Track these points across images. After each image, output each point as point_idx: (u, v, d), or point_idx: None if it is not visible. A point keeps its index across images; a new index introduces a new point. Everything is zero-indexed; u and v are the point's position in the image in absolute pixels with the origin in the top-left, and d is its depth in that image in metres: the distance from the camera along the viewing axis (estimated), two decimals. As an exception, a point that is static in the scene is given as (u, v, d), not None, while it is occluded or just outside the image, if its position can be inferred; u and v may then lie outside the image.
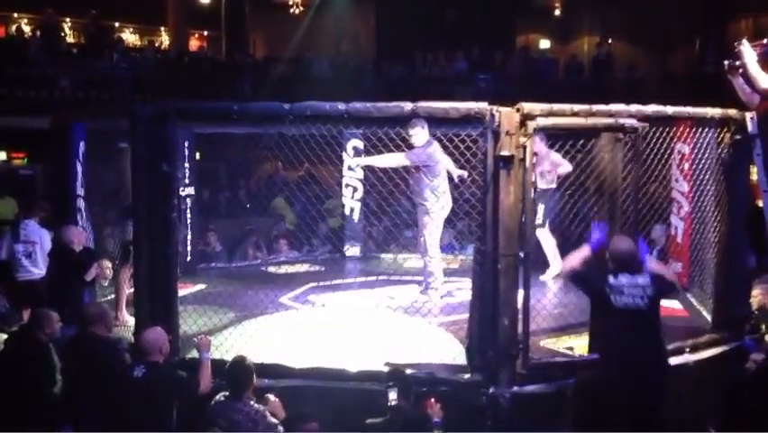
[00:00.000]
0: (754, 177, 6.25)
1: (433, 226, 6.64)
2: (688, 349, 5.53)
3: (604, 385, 4.34)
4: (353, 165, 6.76)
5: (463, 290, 6.67)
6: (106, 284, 6.72)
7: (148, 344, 4.53)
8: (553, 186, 7.32)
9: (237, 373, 4.43)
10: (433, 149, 6.42)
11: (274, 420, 4.29)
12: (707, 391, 5.07)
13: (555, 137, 5.85)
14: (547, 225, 7.45)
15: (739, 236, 5.98)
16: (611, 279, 4.35)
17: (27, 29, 15.80)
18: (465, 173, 6.19)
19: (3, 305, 6.71)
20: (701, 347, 5.62)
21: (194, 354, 4.90)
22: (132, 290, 6.11)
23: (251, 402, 4.36)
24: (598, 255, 4.62)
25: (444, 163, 6.55)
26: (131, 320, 6.06)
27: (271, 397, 4.42)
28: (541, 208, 7.45)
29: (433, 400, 4.30)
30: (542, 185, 7.38)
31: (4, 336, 5.28)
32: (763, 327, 5.81)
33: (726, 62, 5.35)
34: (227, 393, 4.41)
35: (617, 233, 4.98)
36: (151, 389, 4.37)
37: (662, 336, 4.53)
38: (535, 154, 6.78)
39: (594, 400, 4.35)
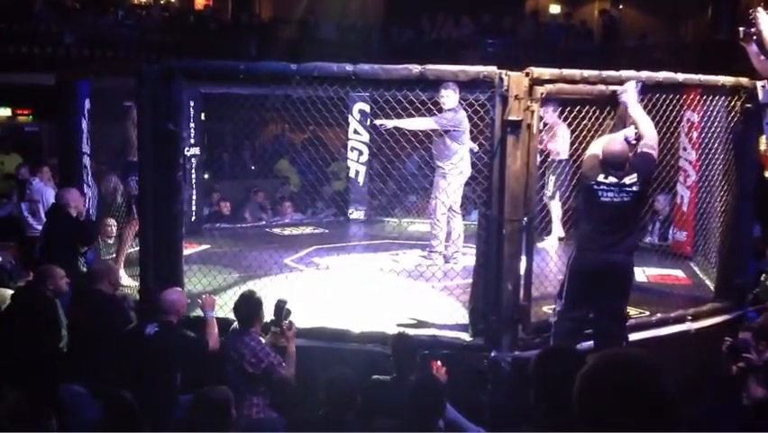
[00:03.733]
0: (763, 146, 6.20)
1: (449, 190, 6.64)
2: (690, 317, 5.56)
3: (581, 261, 4.63)
4: (379, 126, 6.68)
5: (467, 255, 6.70)
6: (111, 242, 6.74)
7: (167, 304, 4.61)
8: (565, 157, 7.24)
9: (245, 307, 4.52)
10: (460, 115, 6.39)
11: (276, 360, 4.36)
12: (707, 360, 5.09)
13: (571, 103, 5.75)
14: (557, 196, 7.42)
15: (745, 206, 5.96)
16: (601, 177, 4.50)
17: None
18: (476, 147, 6.18)
19: (8, 261, 6.75)
20: (703, 316, 5.65)
21: (198, 312, 4.94)
22: (135, 248, 6.13)
23: (259, 337, 4.47)
24: None
25: (466, 131, 6.52)
26: (128, 281, 6.08)
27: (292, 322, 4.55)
28: (551, 180, 7.40)
29: (439, 363, 4.32)
30: (553, 156, 7.32)
31: (11, 292, 5.32)
32: (768, 297, 5.84)
33: (741, 29, 5.27)
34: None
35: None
36: (162, 347, 4.46)
37: (637, 226, 4.87)
38: (546, 125, 6.75)
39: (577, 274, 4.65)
